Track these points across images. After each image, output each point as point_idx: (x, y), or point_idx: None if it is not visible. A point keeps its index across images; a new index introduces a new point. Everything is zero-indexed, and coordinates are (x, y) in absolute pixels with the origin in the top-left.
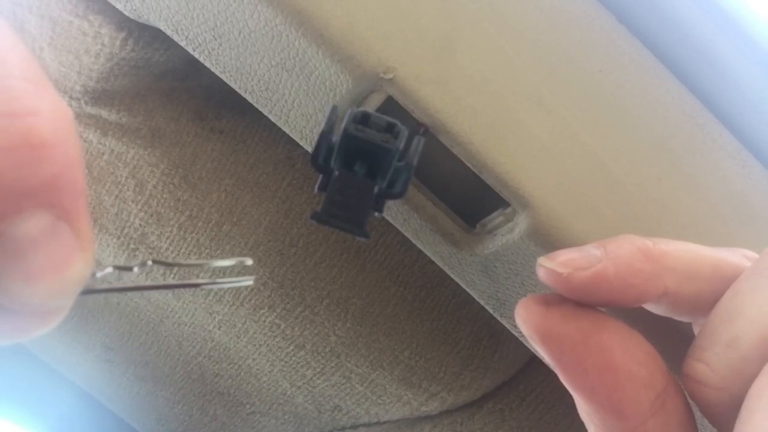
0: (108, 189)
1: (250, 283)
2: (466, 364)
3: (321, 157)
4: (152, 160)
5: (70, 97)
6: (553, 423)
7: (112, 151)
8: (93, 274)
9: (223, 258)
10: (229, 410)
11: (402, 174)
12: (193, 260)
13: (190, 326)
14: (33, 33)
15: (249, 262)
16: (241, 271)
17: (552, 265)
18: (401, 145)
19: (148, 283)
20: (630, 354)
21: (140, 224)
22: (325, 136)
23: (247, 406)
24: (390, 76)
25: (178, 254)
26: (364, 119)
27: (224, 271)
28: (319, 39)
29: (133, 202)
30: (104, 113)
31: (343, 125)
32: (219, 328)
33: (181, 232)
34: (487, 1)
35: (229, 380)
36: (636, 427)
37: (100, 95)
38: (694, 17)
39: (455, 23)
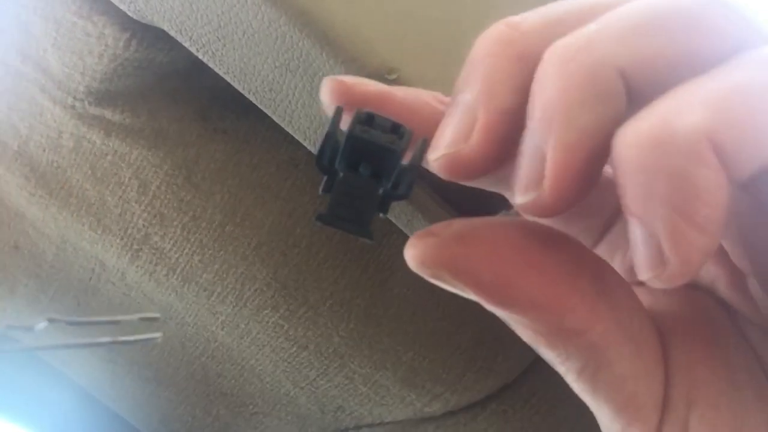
0: (111, 189)
1: (158, 339)
2: (470, 365)
3: (326, 158)
4: (156, 160)
5: (74, 98)
6: (557, 424)
7: (116, 151)
8: None
9: (128, 315)
10: (232, 411)
11: (407, 175)
12: (96, 318)
13: (193, 327)
14: (37, 34)
15: (155, 315)
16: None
17: (439, 153)
18: (406, 147)
19: (49, 343)
20: (550, 243)
21: (144, 225)
22: (329, 137)
23: (250, 407)
24: (394, 77)
25: (181, 255)
26: (369, 120)
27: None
28: (324, 40)
29: (136, 202)
30: (108, 114)
31: (347, 126)
32: (222, 329)
33: (185, 233)
34: (491, 4)
35: (232, 381)
36: (587, 325)
37: (103, 96)
38: None
39: (459, 25)
